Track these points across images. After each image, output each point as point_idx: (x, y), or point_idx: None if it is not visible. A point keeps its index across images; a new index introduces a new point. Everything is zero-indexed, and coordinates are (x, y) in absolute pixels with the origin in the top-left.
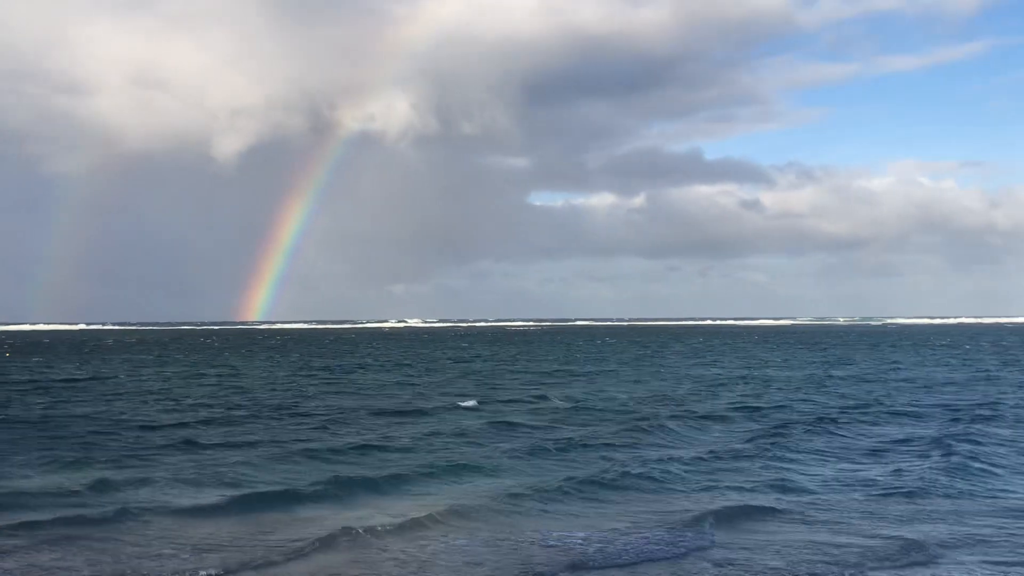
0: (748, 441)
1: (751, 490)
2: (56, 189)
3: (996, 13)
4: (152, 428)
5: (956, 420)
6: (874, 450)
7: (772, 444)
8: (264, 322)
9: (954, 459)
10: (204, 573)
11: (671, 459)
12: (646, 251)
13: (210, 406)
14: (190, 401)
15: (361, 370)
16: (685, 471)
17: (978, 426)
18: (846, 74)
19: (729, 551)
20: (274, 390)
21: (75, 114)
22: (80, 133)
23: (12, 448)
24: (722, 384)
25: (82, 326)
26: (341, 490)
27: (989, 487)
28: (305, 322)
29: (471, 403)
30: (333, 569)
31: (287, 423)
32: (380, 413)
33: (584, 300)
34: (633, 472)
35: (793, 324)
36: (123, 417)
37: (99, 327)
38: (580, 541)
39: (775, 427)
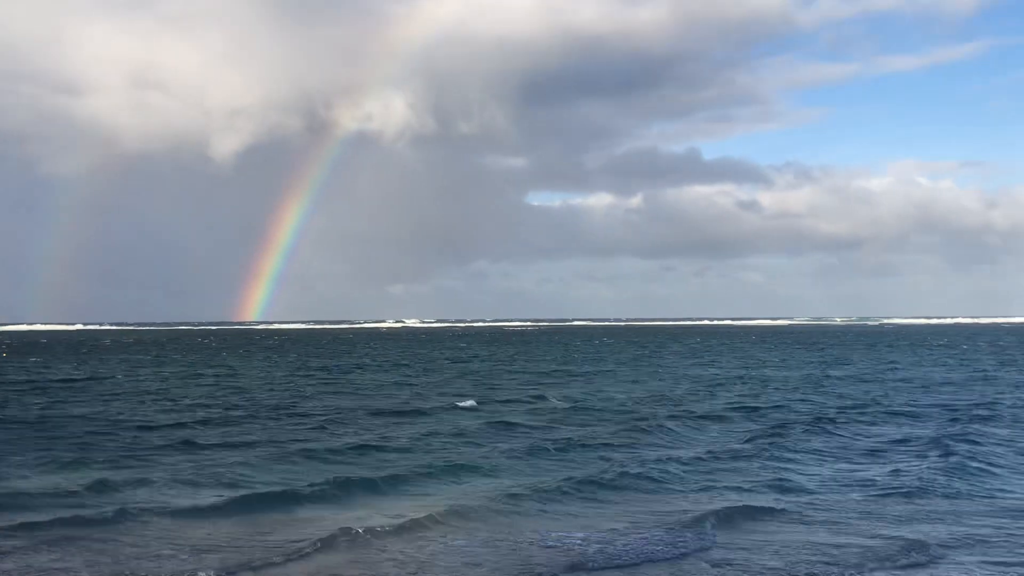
0: (746, 441)
1: (750, 490)
2: (54, 189)
3: (995, 13)
4: (150, 428)
5: (954, 420)
6: (872, 450)
7: (770, 444)
8: (261, 322)
9: (952, 459)
10: (203, 574)
11: (670, 459)
12: (644, 251)
13: (208, 406)
14: (188, 401)
15: (359, 370)
16: (684, 471)
17: (976, 426)
18: (845, 74)
19: (728, 551)
20: (272, 390)
21: (73, 114)
22: (78, 133)
23: (10, 448)
24: (720, 384)
25: (79, 326)
26: (340, 490)
27: (987, 487)
28: (303, 322)
29: (469, 403)
30: (332, 570)
31: (285, 423)
32: (378, 413)
33: (582, 300)
34: (632, 472)
35: (791, 324)
36: (121, 417)
37: (96, 327)
38: (579, 541)
39: (773, 427)
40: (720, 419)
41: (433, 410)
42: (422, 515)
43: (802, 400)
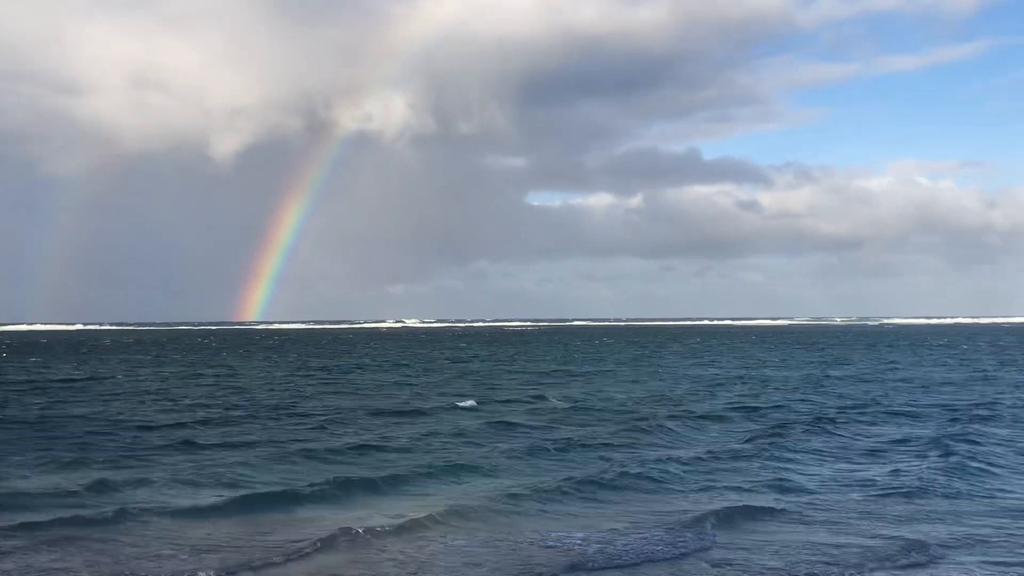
0: (746, 441)
1: (750, 490)
2: (54, 189)
3: (995, 13)
4: (150, 428)
5: (954, 420)
6: (872, 450)
7: (770, 444)
8: (261, 322)
9: (952, 459)
10: (203, 574)
11: (670, 459)
12: (644, 251)
13: (208, 406)
14: (188, 401)
15: (359, 370)
16: (684, 471)
17: (976, 426)
18: (845, 74)
19: (728, 551)
20: (272, 390)
21: (73, 114)
22: (78, 133)
23: (10, 448)
24: (720, 384)
25: (79, 326)
26: (340, 490)
27: (987, 487)
28: (302, 322)
29: (469, 403)
30: (332, 570)
31: (285, 423)
32: (378, 413)
33: (582, 300)
34: (632, 472)
35: (790, 324)
36: (121, 417)
37: (96, 327)
38: (579, 541)
39: (773, 427)
40: (720, 419)
41: (433, 410)
42: (422, 515)
43: (802, 400)
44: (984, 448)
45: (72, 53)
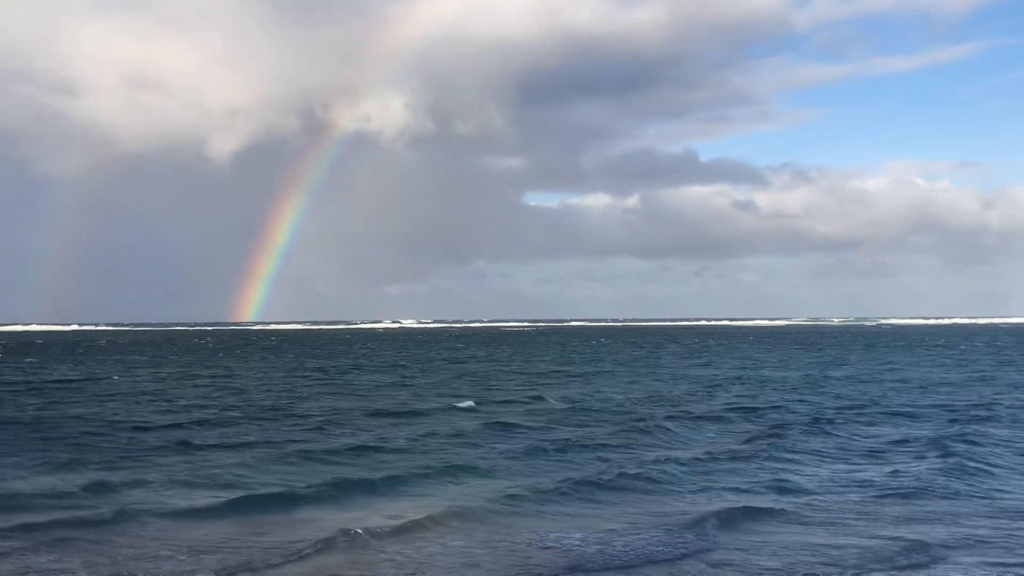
0: (745, 442)
1: (749, 491)
2: (50, 190)
3: (991, 14)
4: (147, 429)
5: (953, 421)
6: (871, 451)
7: (769, 445)
8: (258, 323)
9: (951, 460)
10: (201, 575)
11: (668, 460)
12: (641, 251)
13: (205, 407)
14: (184, 402)
15: (356, 371)
16: (682, 472)
17: (975, 427)
18: (841, 75)
19: (727, 552)
20: (269, 391)
21: (70, 114)
22: (75, 133)
23: (6, 449)
24: (718, 385)
25: (75, 327)
26: (338, 491)
27: (986, 488)
28: (299, 323)
29: (467, 404)
30: (331, 571)
31: (282, 424)
32: (376, 414)
33: (580, 300)
34: (630, 473)
35: (788, 325)
36: (117, 418)
37: (92, 327)
38: (578, 542)
39: (772, 428)
40: (718, 420)
41: (431, 411)
42: (420, 516)
43: (800, 401)
44: (983, 449)
45: (69, 53)
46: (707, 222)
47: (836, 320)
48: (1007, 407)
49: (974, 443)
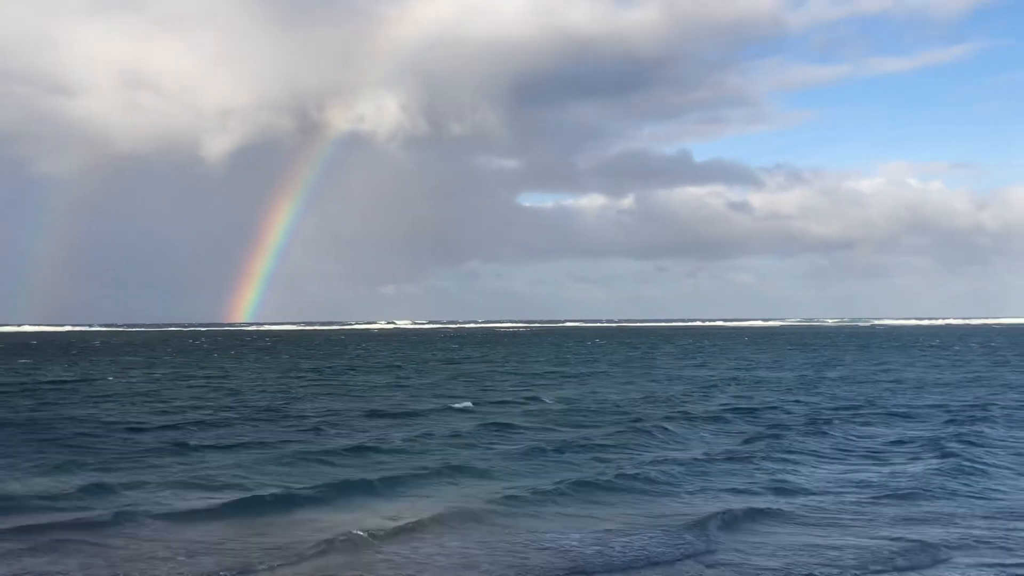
0: (743, 443)
1: (747, 492)
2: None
3: (986, 15)
4: (142, 430)
5: (949, 421)
6: (869, 451)
7: (767, 445)
8: (252, 323)
9: (949, 460)
10: None
11: (666, 460)
12: (636, 252)
13: (200, 408)
14: (180, 403)
15: (351, 372)
16: (680, 473)
17: (972, 427)
18: (836, 76)
19: (726, 553)
20: (264, 392)
21: (64, 115)
22: (69, 134)
23: (0, 451)
24: (714, 385)
25: (69, 327)
26: (335, 492)
27: (984, 488)
28: (293, 323)
29: (464, 405)
30: (329, 572)
31: (278, 425)
32: (373, 415)
33: (574, 301)
34: (628, 474)
35: (782, 325)
36: (112, 419)
37: (86, 328)
38: (576, 543)
39: (769, 428)
40: (716, 420)
41: (428, 412)
42: (418, 517)
43: (797, 401)
44: (980, 449)
45: (64, 53)
46: (702, 223)
47: (830, 321)
48: (1003, 408)
49: (971, 444)
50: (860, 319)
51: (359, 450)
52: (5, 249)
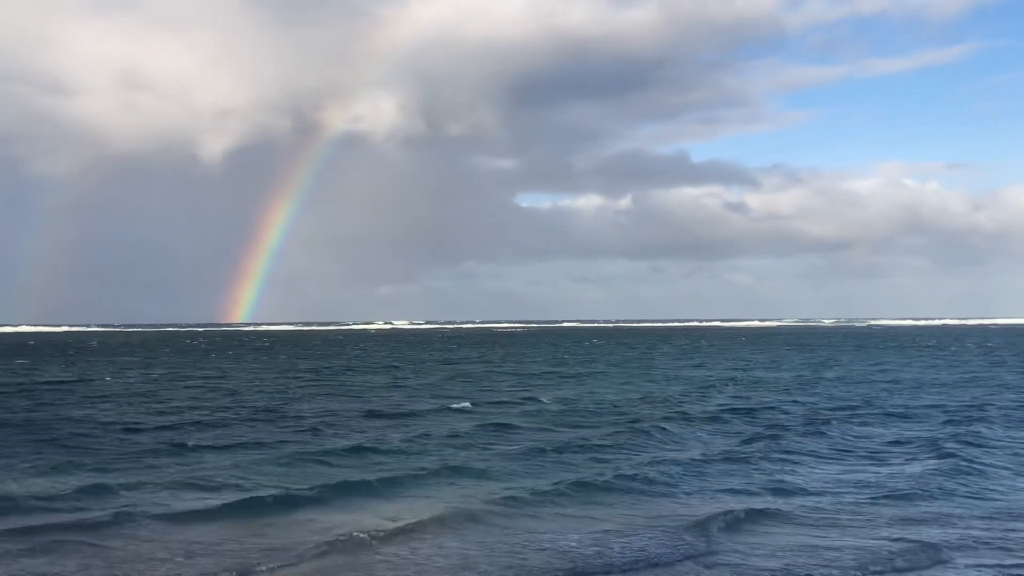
0: (742, 443)
1: (745, 492)
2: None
3: (982, 16)
4: (139, 431)
5: (947, 422)
6: (867, 452)
7: (766, 446)
8: (250, 324)
9: (947, 461)
10: None
11: (665, 461)
12: (633, 253)
13: (198, 408)
14: (177, 403)
15: (349, 372)
16: (679, 473)
17: (969, 427)
18: (833, 76)
19: (725, 554)
20: (262, 392)
21: (60, 115)
22: (65, 134)
23: None
24: (712, 385)
25: (66, 328)
26: (333, 493)
27: (982, 488)
28: (291, 324)
29: (462, 405)
30: (327, 572)
31: (276, 426)
32: (371, 415)
33: (572, 302)
34: (627, 474)
35: (779, 326)
36: (110, 420)
37: (83, 328)
38: (575, 544)
39: (768, 429)
40: (714, 420)
41: (426, 412)
42: (417, 518)
43: (795, 402)
44: (978, 450)
45: (61, 53)
46: (699, 223)
47: (827, 321)
48: (1000, 408)
49: (969, 444)
50: (857, 319)
51: (357, 451)
52: (2, 249)
